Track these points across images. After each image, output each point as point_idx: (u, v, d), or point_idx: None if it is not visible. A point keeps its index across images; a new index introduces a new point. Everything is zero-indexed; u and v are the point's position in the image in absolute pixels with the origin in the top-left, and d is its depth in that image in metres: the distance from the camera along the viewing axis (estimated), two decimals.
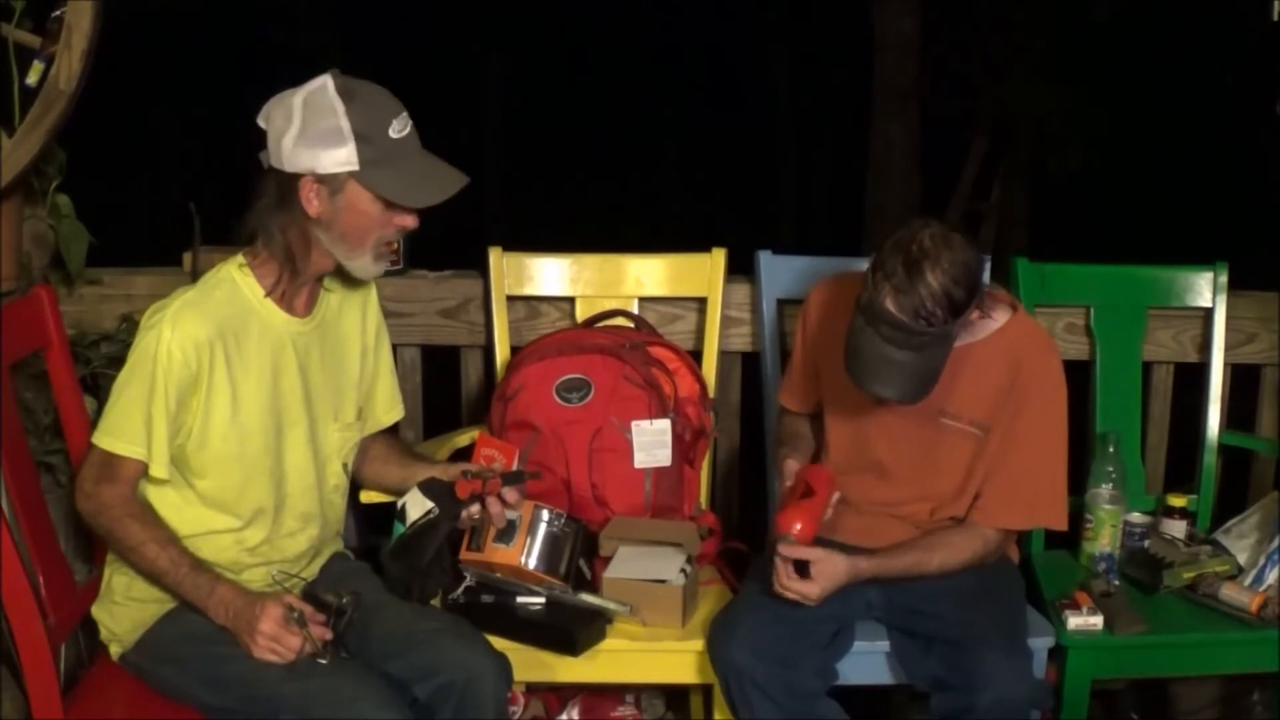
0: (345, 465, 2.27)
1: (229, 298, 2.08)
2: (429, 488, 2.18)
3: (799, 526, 2.18)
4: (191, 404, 2.04)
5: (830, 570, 2.18)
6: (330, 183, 2.01)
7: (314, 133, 1.99)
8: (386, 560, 2.19)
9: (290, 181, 2.02)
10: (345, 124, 1.99)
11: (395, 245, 2.11)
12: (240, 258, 2.11)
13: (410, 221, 2.08)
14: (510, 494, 2.19)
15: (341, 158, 1.99)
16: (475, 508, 2.18)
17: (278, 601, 1.98)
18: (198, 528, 2.10)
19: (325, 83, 2.02)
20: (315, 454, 2.19)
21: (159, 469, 2.04)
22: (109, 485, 2.04)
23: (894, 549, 2.27)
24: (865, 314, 2.13)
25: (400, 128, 2.03)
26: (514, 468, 2.26)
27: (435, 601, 2.30)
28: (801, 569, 2.18)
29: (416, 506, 2.17)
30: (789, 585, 2.17)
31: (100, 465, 2.05)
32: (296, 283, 2.11)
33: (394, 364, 2.41)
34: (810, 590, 2.17)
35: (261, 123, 2.05)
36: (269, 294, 2.10)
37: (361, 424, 2.30)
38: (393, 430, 2.44)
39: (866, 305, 2.12)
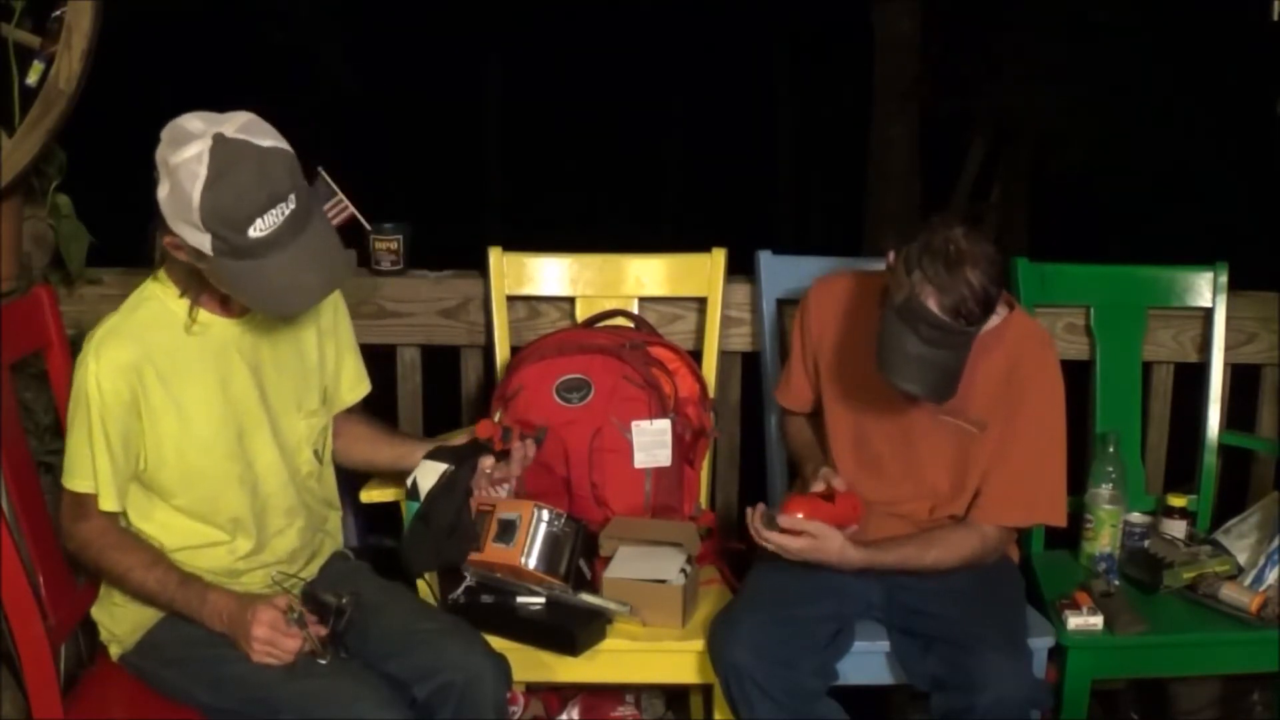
0: (316, 452, 2.24)
1: (154, 316, 2.03)
2: (439, 454, 2.17)
3: (800, 516, 2.20)
4: (137, 428, 2.02)
5: (820, 543, 2.19)
6: (192, 249, 1.89)
7: (177, 204, 1.84)
8: (406, 542, 2.18)
9: (164, 226, 1.90)
10: (197, 216, 1.82)
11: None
12: (161, 270, 2.03)
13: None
14: (530, 447, 2.20)
15: (202, 241, 1.85)
16: (490, 460, 2.17)
17: (269, 605, 1.98)
18: (191, 540, 2.10)
19: (200, 152, 1.82)
20: (282, 449, 2.16)
21: (107, 502, 2.03)
22: (84, 522, 2.05)
23: (888, 541, 2.28)
24: (902, 314, 2.11)
25: (266, 225, 1.82)
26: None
27: (434, 602, 2.30)
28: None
29: (429, 475, 2.16)
30: (768, 534, 2.18)
31: (71, 505, 2.06)
32: (210, 289, 2.01)
33: (355, 341, 2.33)
34: (791, 544, 2.18)
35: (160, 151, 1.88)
36: (192, 301, 2.02)
37: (327, 407, 2.27)
38: (364, 407, 2.38)
39: (904, 305, 2.11)
